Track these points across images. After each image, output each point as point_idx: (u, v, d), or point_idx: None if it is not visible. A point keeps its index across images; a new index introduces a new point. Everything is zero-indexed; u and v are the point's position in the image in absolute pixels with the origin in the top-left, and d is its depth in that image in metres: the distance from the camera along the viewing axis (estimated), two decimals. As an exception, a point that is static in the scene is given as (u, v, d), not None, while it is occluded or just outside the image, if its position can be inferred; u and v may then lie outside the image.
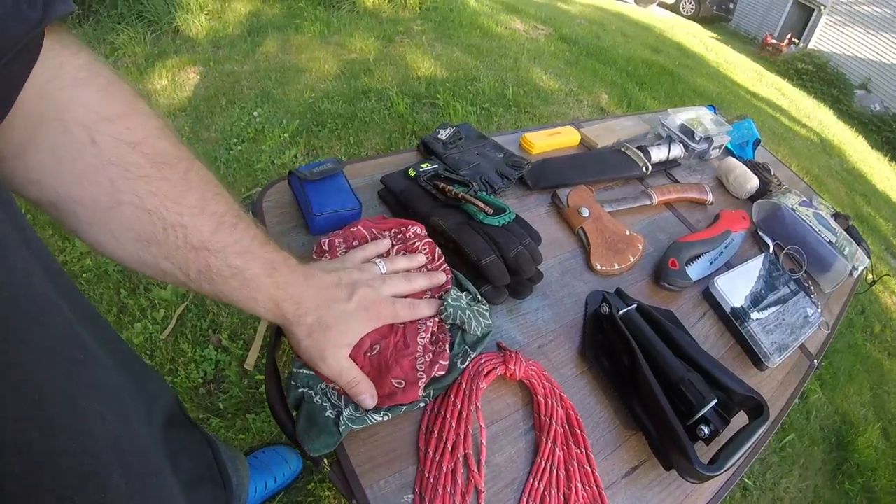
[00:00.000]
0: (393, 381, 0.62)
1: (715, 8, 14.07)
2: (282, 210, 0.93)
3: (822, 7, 14.84)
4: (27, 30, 0.32)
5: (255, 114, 2.72)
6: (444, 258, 0.77)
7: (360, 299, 0.61)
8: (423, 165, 0.96)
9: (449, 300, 0.71)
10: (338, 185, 0.90)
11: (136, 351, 1.47)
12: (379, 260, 0.71)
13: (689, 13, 14.08)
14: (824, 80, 11.83)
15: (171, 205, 0.42)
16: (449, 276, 0.75)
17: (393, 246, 0.77)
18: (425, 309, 0.69)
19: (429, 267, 0.75)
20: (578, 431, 0.72)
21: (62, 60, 0.36)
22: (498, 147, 1.12)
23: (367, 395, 0.61)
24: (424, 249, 0.76)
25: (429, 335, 0.66)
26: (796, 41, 14.73)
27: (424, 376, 0.63)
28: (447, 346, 0.67)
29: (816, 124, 8.08)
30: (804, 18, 16.21)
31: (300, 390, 0.63)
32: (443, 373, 0.65)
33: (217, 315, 1.74)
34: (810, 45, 14.32)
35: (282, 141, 2.56)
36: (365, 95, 3.12)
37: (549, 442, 0.69)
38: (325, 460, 0.64)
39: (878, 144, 9.95)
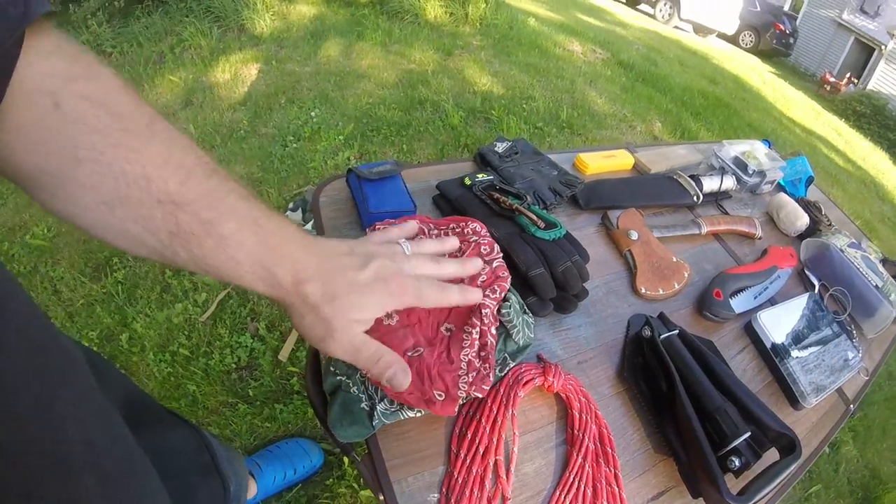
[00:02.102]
0: (434, 391, 0.61)
1: (774, 42, 13.76)
2: (337, 206, 0.95)
3: (883, 47, 14.39)
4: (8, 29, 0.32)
5: (313, 114, 2.78)
6: (501, 255, 0.75)
7: (378, 270, 0.52)
8: (479, 176, 0.98)
9: (512, 298, 0.72)
10: (395, 186, 0.92)
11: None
12: (404, 240, 0.64)
13: (749, 46, 13.81)
14: (882, 124, 11.40)
15: (132, 156, 0.39)
16: (508, 276, 0.72)
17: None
18: (456, 295, 0.60)
19: (486, 259, 0.72)
20: (609, 450, 0.72)
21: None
22: (552, 164, 1.13)
23: (398, 368, 0.54)
24: (484, 242, 0.74)
25: (474, 350, 0.64)
26: (855, 81, 14.29)
27: (465, 394, 0.63)
28: (491, 372, 0.65)
29: (871, 168, 7.79)
30: (864, 58, 15.75)
31: (338, 378, 0.64)
32: (481, 395, 0.64)
33: (257, 304, 1.78)
34: (869, 86, 13.87)
35: (336, 143, 2.60)
36: (421, 105, 3.15)
37: (580, 457, 0.69)
38: (356, 450, 0.65)
39: (937, 191, 9.53)
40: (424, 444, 0.66)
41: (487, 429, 0.65)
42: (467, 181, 0.96)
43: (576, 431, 0.71)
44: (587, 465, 0.69)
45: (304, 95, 3.00)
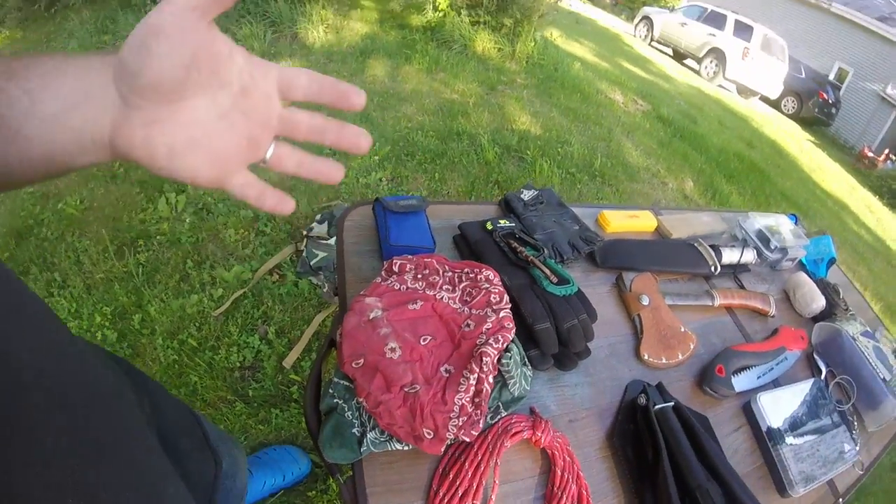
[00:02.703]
0: (424, 429, 0.63)
1: (817, 111, 13.63)
2: (360, 232, 0.98)
3: (925, 126, 14.21)
4: None
5: None
6: (510, 306, 0.77)
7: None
8: (501, 222, 1.00)
9: (514, 349, 0.73)
10: (418, 222, 0.96)
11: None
12: None
13: (790, 111, 13.71)
14: (916, 205, 11.17)
15: None
16: (512, 327, 0.75)
17: (462, 282, 0.79)
18: None
19: (494, 307, 0.76)
20: None
21: None
22: (575, 219, 1.15)
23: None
24: (495, 291, 0.77)
25: (469, 395, 0.66)
26: (893, 157, 14.05)
27: (452, 436, 0.64)
28: (482, 419, 0.66)
29: (902, 249, 7.66)
30: (905, 135, 15.56)
31: (335, 400, 0.67)
32: (469, 440, 0.66)
33: (270, 309, 1.81)
34: (907, 165, 13.64)
35: (370, 162, 2.65)
36: (458, 136, 3.20)
37: (557, 514, 0.70)
38: (341, 472, 0.67)
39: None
40: (407, 478, 0.68)
41: (470, 473, 0.67)
42: (489, 226, 0.98)
43: (555, 489, 0.72)
44: None
45: (344, 113, 3.06)
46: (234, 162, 0.43)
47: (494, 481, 0.68)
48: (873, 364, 1.17)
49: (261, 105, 0.42)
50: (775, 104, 13.59)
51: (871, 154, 13.36)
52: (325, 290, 1.86)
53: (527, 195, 1.15)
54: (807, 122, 13.92)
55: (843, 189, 8.61)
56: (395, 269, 0.79)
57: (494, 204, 1.16)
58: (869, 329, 1.27)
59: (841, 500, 1.01)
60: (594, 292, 1.05)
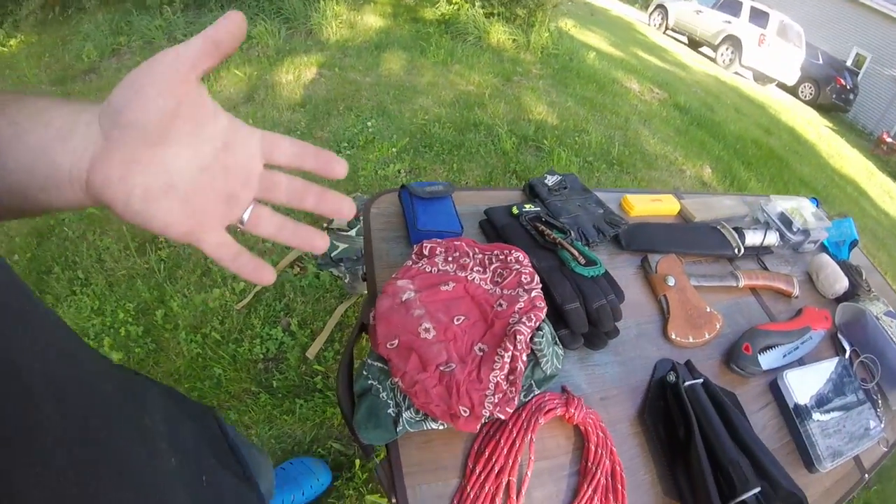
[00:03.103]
0: (460, 406, 0.64)
1: (834, 97, 13.38)
2: (387, 219, 0.99)
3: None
4: None
5: (369, 124, 2.85)
6: (540, 286, 0.78)
7: None
8: (527, 206, 1.01)
9: (545, 329, 0.75)
10: (445, 207, 0.97)
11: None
12: None
13: (808, 98, 13.48)
14: (935, 190, 10.96)
15: None
16: (544, 306, 0.75)
17: (492, 263, 0.80)
18: None
19: (525, 287, 0.76)
20: (620, 487, 0.73)
21: None
22: (599, 202, 1.15)
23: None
24: (525, 272, 0.78)
25: (503, 372, 0.67)
26: (913, 142, 13.79)
27: (488, 414, 0.65)
28: (517, 396, 0.67)
29: (920, 235, 7.54)
30: (923, 121, 15.26)
31: (369, 382, 0.69)
32: (504, 417, 0.67)
33: (292, 301, 1.83)
34: (926, 152, 13.36)
35: (389, 154, 2.67)
36: (475, 128, 3.20)
37: (590, 490, 0.71)
38: (376, 453, 0.69)
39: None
40: (442, 456, 0.69)
41: (505, 450, 0.68)
42: (515, 211, 0.99)
43: (590, 464, 0.73)
44: (596, 499, 0.71)
45: (362, 104, 3.08)
46: (210, 217, 0.41)
47: (530, 457, 0.69)
48: (898, 345, 1.16)
49: (242, 163, 0.42)
50: (792, 91, 13.37)
51: (889, 139, 13.08)
52: (346, 281, 1.88)
53: (551, 180, 1.15)
54: (824, 109, 13.69)
55: (861, 174, 8.47)
56: (426, 252, 0.80)
57: (518, 190, 1.17)
58: (892, 309, 1.27)
59: (867, 475, 1.01)
60: (620, 274, 1.05)
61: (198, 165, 0.40)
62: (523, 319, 0.70)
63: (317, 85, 3.27)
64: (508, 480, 0.67)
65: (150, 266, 1.84)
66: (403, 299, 0.70)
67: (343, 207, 0.45)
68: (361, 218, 1.91)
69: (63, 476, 0.34)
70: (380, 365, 0.70)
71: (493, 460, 0.67)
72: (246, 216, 0.43)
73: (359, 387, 0.69)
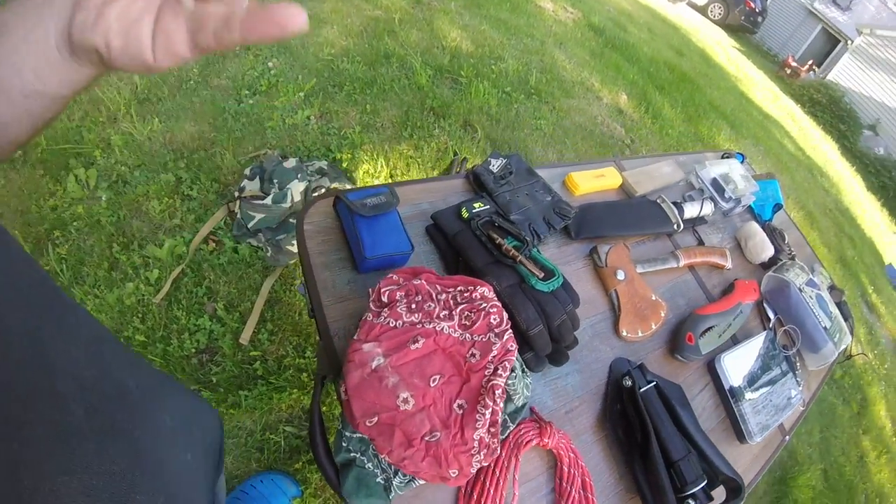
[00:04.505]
0: (450, 471, 0.66)
1: (742, 18, 14.03)
2: (325, 237, 0.92)
3: (849, 42, 15.03)
4: None
5: (270, 65, 2.64)
6: (510, 326, 0.79)
7: None
8: (476, 205, 1.01)
9: (516, 365, 0.77)
10: (391, 223, 0.92)
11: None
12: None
13: (717, 17, 14.04)
14: (835, 114, 11.98)
15: None
16: (515, 347, 0.77)
17: (458, 305, 0.78)
18: None
19: (496, 331, 0.77)
20: (590, 496, 0.83)
21: None
22: (546, 188, 1.18)
23: None
24: (493, 311, 0.78)
25: (486, 427, 0.69)
26: (816, 68, 14.89)
27: (477, 467, 0.69)
28: (497, 442, 0.70)
29: (820, 157, 8.29)
30: (828, 48, 16.46)
31: (351, 455, 0.69)
32: (488, 463, 0.71)
33: (214, 282, 1.76)
34: (829, 76, 14.52)
35: (296, 99, 2.51)
36: (387, 60, 3.08)
37: (567, 507, 0.80)
38: None
39: (874, 188, 10.21)
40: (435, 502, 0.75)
41: (492, 490, 0.74)
42: (465, 213, 0.99)
43: (564, 483, 0.81)
44: None
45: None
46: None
47: (514, 493, 0.75)
48: (816, 314, 1.34)
49: None
50: (702, 10, 13.86)
51: (794, 63, 14.00)
52: (268, 253, 1.82)
53: (495, 165, 1.16)
54: (732, 29, 14.36)
55: (767, 98, 9.10)
56: (384, 298, 0.77)
57: (462, 177, 1.16)
58: (812, 278, 1.42)
59: (787, 437, 1.20)
60: (570, 269, 1.11)
61: None
62: (499, 370, 0.72)
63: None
64: None
65: (50, 268, 1.65)
66: (374, 367, 0.69)
67: (293, 15, 0.41)
68: (276, 183, 1.84)
69: (92, 471, 0.36)
70: (357, 436, 0.70)
71: (482, 502, 0.73)
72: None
73: (340, 459, 0.70)
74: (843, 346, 1.37)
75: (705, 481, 0.88)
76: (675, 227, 1.31)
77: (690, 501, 0.86)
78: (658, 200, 1.34)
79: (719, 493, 0.93)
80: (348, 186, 2.06)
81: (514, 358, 0.75)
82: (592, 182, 1.31)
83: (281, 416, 1.55)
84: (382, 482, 0.68)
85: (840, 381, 3.64)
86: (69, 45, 0.43)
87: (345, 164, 2.34)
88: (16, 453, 0.32)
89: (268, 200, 1.83)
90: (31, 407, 0.34)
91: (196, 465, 0.54)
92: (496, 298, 0.80)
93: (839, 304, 1.47)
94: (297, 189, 1.87)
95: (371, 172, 2.40)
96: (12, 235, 0.38)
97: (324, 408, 1.58)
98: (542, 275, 0.88)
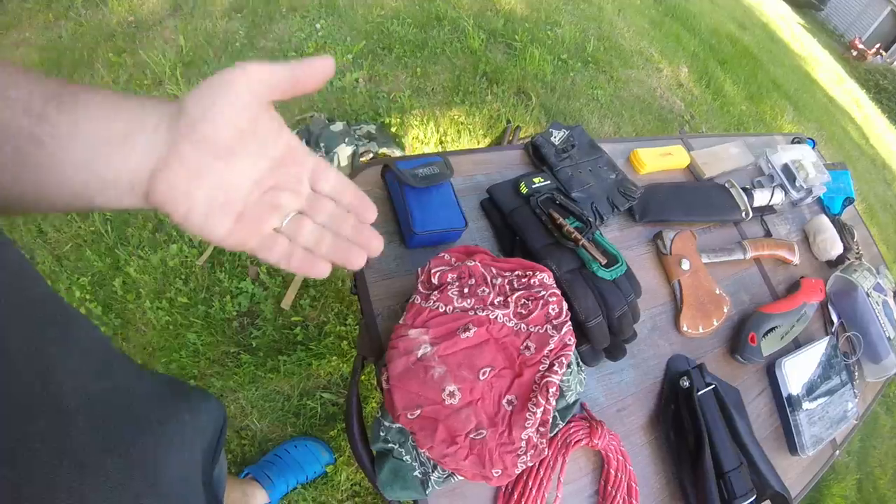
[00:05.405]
0: (493, 470, 0.62)
1: (809, -7, 13.46)
2: None
3: (920, 27, 14.28)
4: None
5: (318, 26, 2.55)
6: (570, 315, 0.73)
7: None
8: (536, 180, 0.95)
9: (574, 366, 0.72)
10: (444, 196, 0.85)
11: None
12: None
13: (782, -10, 13.43)
14: (902, 104, 11.45)
15: None
16: (573, 342, 0.72)
17: (515, 291, 0.73)
18: None
19: (554, 322, 0.71)
20: (634, 502, 0.77)
21: None
22: (611, 165, 1.10)
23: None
24: (552, 300, 0.72)
25: (535, 427, 0.64)
26: (883, 53, 14.14)
27: (522, 468, 0.64)
28: (546, 442, 0.65)
29: (883, 148, 7.85)
30: (896, 32, 15.65)
31: (389, 445, 0.65)
32: (534, 463, 0.66)
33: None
34: (896, 62, 13.82)
35: (344, 61, 2.41)
36: (438, 23, 2.95)
37: (611, 512, 0.74)
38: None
39: (938, 186, 9.75)
40: (472, 501, 0.70)
41: (534, 491, 0.69)
42: (523, 188, 0.92)
43: (610, 487, 0.76)
44: None
45: (307, 3, 2.74)
46: (259, 225, 0.43)
47: (557, 494, 0.70)
48: (882, 323, 1.25)
49: (293, 182, 0.44)
50: (765, -19, 13.22)
51: (861, 46, 13.33)
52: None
53: (557, 137, 1.08)
54: (797, 4, 13.68)
55: (832, 80, 8.63)
56: (435, 281, 0.71)
57: (519, 149, 1.09)
58: (880, 282, 1.32)
59: (837, 451, 1.13)
60: (632, 255, 1.04)
61: (254, 179, 0.42)
62: (554, 366, 0.67)
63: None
64: None
65: (95, 229, 1.65)
66: (419, 356, 0.64)
67: (373, 242, 0.46)
68: (323, 146, 1.79)
69: (96, 487, 0.35)
70: (398, 426, 0.65)
71: (523, 502, 0.68)
72: (286, 222, 0.44)
73: (377, 447, 0.66)
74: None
75: (755, 496, 0.82)
76: (744, 215, 1.22)
77: (737, 515, 0.81)
78: (727, 185, 1.25)
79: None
80: (397, 152, 1.99)
81: (572, 353, 0.69)
82: (659, 161, 1.22)
83: (319, 383, 1.53)
84: (420, 476, 0.64)
85: (886, 390, 3.49)
86: (146, 195, 0.38)
87: (394, 129, 2.27)
88: (19, 476, 0.30)
89: (313, 160, 1.78)
90: (36, 426, 0.33)
91: (195, 466, 0.54)
92: (556, 286, 0.74)
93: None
94: (343, 153, 1.82)
95: (420, 138, 2.32)
96: (17, 249, 0.36)
97: (362, 377, 1.57)
98: (604, 261, 0.82)
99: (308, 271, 0.45)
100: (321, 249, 0.45)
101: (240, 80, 0.38)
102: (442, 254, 0.74)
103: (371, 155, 1.90)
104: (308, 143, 1.82)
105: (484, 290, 0.70)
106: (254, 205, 0.42)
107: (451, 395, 0.62)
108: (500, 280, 0.73)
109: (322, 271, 0.45)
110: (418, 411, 0.61)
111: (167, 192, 0.38)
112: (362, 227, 0.46)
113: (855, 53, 13.09)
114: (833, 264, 1.40)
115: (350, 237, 0.46)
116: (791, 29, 9.60)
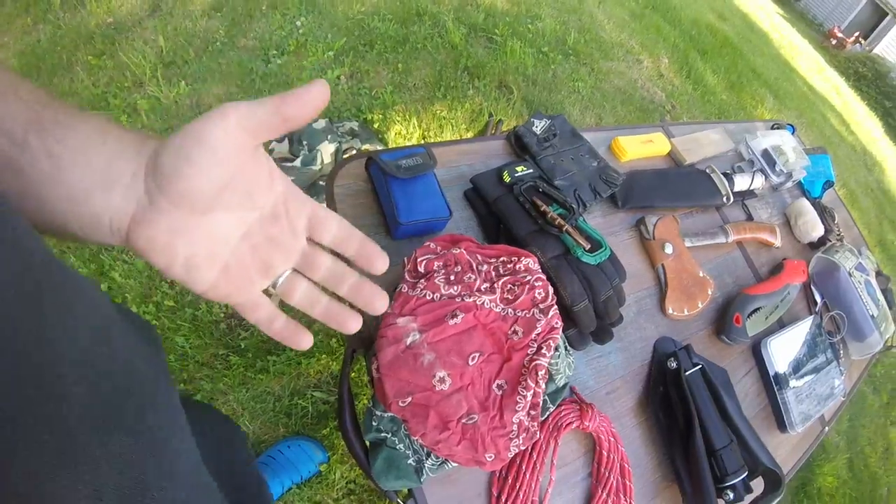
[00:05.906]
0: (486, 455, 0.63)
1: (787, -18, 13.58)
2: (356, 200, 0.85)
3: (897, 14, 14.47)
4: None
5: (298, 23, 2.54)
6: (556, 300, 0.74)
7: None
8: (518, 169, 0.95)
9: (562, 350, 0.73)
10: (428, 186, 0.85)
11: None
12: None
13: (760, -19, 13.55)
14: (881, 90, 11.47)
15: None
16: (560, 324, 0.72)
17: (501, 277, 0.73)
18: None
19: (540, 306, 0.72)
20: (628, 482, 0.79)
21: None
22: (592, 153, 1.11)
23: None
24: (538, 284, 0.73)
25: (526, 410, 0.65)
26: (862, 41, 14.33)
27: (514, 452, 0.65)
28: (537, 425, 0.66)
29: (864, 134, 7.96)
30: (875, 20, 15.81)
31: (382, 434, 0.65)
32: (526, 446, 0.67)
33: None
34: (875, 50, 13.95)
35: (325, 59, 2.41)
36: (419, 18, 2.95)
37: (604, 493, 0.76)
38: (399, 491, 0.68)
39: (918, 170, 9.90)
40: (466, 487, 0.70)
41: (527, 475, 0.69)
42: (506, 177, 0.93)
43: (602, 469, 0.77)
44: (609, 501, 0.76)
45: (287, 0, 2.77)
46: (246, 282, 0.41)
47: (550, 477, 0.71)
48: (864, 301, 1.28)
49: (286, 237, 0.42)
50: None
51: (840, 35, 13.48)
52: (296, 215, 1.78)
53: (538, 127, 1.09)
54: (776, -7, 13.81)
55: (811, 69, 8.72)
56: (421, 269, 0.72)
57: (502, 139, 1.10)
58: (861, 261, 1.35)
59: (827, 428, 1.16)
60: (616, 240, 1.05)
61: (242, 233, 0.39)
62: (542, 349, 0.67)
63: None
64: (532, 501, 0.69)
65: None
66: (408, 343, 0.65)
67: (376, 302, 0.44)
68: (306, 144, 1.79)
69: (98, 468, 0.33)
70: (389, 415, 0.66)
71: (517, 486, 0.69)
72: (279, 282, 0.43)
73: (370, 438, 0.66)
74: (887, 336, 1.31)
75: (746, 472, 0.84)
76: (725, 199, 1.24)
77: (729, 492, 0.83)
78: (708, 170, 1.27)
79: (757, 484, 0.88)
80: (380, 148, 2.00)
81: (559, 336, 0.70)
82: (640, 148, 1.24)
83: (309, 382, 1.54)
84: (413, 464, 0.64)
85: (872, 370, 3.54)
86: (127, 240, 0.37)
87: (376, 125, 2.27)
88: (11, 451, 0.29)
89: (297, 162, 1.78)
90: (32, 401, 0.30)
91: (204, 459, 0.50)
92: (541, 271, 0.75)
93: (884, 292, 1.40)
94: (327, 150, 1.82)
95: (403, 133, 2.32)
96: (18, 216, 0.32)
97: (352, 374, 1.57)
98: (588, 246, 0.83)
99: (288, 341, 0.43)
100: (314, 312, 0.44)
101: (217, 130, 0.34)
102: (428, 242, 0.75)
103: (354, 151, 1.90)
104: (290, 141, 1.81)
105: (470, 277, 0.71)
106: (242, 259, 0.40)
107: (442, 380, 0.63)
108: (485, 266, 0.74)
109: (303, 343, 0.43)
110: (409, 398, 0.62)
111: (146, 246, 0.36)
112: (362, 284, 0.44)
113: (834, 42, 13.25)
114: (815, 246, 1.42)
115: (348, 296, 0.44)
116: (770, 19, 9.71)
